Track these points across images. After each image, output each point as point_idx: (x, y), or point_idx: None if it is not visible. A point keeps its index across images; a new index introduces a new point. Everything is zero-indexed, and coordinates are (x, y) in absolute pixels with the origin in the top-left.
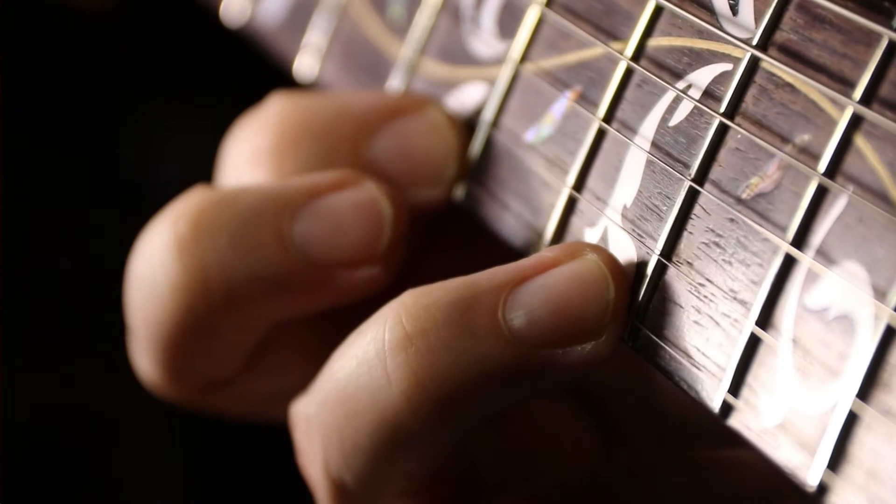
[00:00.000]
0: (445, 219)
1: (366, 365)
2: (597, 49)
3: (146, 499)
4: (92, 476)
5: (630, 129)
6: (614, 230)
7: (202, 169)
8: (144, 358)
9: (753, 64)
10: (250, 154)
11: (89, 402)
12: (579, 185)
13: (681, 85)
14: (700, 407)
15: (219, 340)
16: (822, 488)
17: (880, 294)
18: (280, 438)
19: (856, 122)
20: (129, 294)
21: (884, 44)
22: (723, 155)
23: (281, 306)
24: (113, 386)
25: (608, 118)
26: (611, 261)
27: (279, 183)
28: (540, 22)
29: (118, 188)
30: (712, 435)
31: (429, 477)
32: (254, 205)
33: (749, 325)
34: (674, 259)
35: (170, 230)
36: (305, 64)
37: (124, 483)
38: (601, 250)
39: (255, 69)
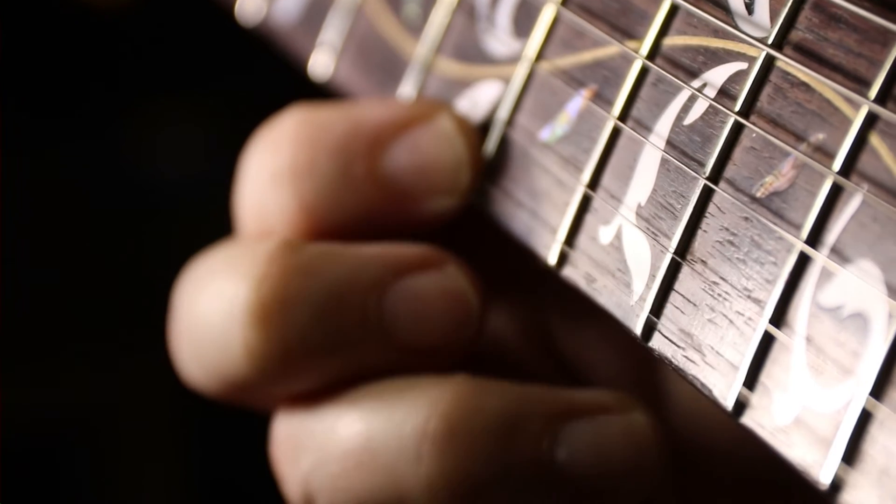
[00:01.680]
0: (461, 216)
1: (399, 436)
2: (612, 48)
3: (146, 499)
4: (92, 476)
5: (645, 128)
6: (629, 228)
7: (202, 169)
8: (199, 378)
9: (769, 63)
10: (269, 174)
11: (89, 402)
12: (594, 183)
13: (696, 84)
14: (713, 405)
15: (285, 392)
16: (835, 486)
17: (894, 292)
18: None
19: (871, 121)
20: (187, 327)
21: None
22: (737, 153)
23: (355, 377)
24: (113, 386)
25: (623, 117)
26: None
27: (365, 254)
28: (555, 20)
29: (118, 188)
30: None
31: None
32: (341, 279)
33: (763, 324)
34: (688, 257)
35: (252, 291)
36: (320, 63)
37: (124, 483)
38: (652, 416)
39: (257, 69)
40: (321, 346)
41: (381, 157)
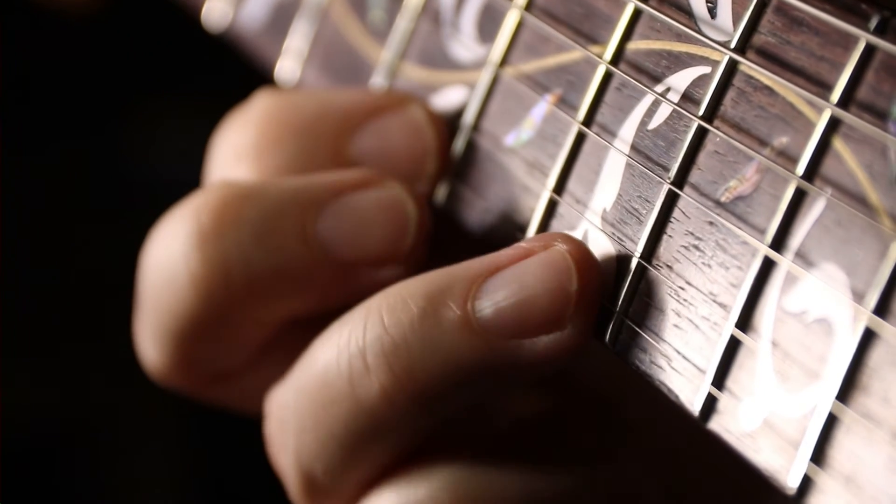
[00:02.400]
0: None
1: (346, 355)
2: (576, 53)
3: (146, 499)
4: (92, 476)
5: (609, 133)
6: (594, 233)
7: (202, 169)
8: (153, 346)
9: (732, 67)
10: (234, 151)
11: (89, 402)
12: (559, 188)
13: (660, 88)
14: (680, 410)
15: (233, 334)
16: (803, 491)
17: (858, 296)
18: None
19: (834, 125)
20: (144, 281)
21: (861, 46)
22: (702, 158)
23: (300, 303)
24: (113, 386)
25: (588, 122)
26: (580, 252)
27: (303, 179)
28: (519, 26)
29: (117, 188)
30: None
31: (394, 465)
32: (278, 200)
33: (729, 328)
34: (654, 262)
35: (192, 221)
36: (287, 68)
37: (124, 483)
38: (573, 241)
39: (255, 69)
40: (262, 265)
41: (349, 140)
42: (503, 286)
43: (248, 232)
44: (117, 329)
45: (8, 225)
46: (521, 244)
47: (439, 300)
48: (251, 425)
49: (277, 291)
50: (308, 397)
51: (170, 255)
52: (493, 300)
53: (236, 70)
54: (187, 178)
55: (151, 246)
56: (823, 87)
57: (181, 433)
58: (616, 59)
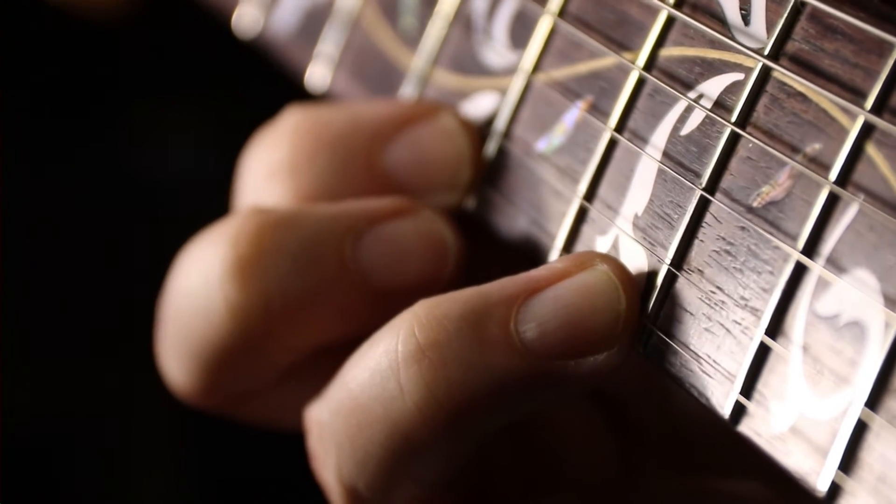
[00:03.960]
0: (460, 228)
1: (379, 376)
2: (609, 59)
3: (146, 499)
4: (92, 476)
5: (641, 139)
6: (625, 239)
7: (202, 169)
8: (180, 369)
9: (765, 74)
10: (267, 169)
11: (90, 402)
12: (590, 194)
13: (692, 95)
14: (710, 414)
15: (265, 359)
16: (832, 494)
17: (891, 302)
18: (281, 440)
19: (867, 132)
20: (172, 306)
21: (895, 54)
22: (734, 164)
23: (337, 330)
24: (113, 386)
25: (619, 128)
26: (621, 271)
27: (338, 206)
28: (552, 32)
29: (119, 189)
30: (725, 445)
31: (441, 484)
32: (316, 228)
33: (759, 333)
34: (685, 267)
35: (229, 249)
36: (317, 74)
37: (124, 483)
38: (612, 260)
39: (258, 72)
40: (301, 294)
41: (382, 152)
42: (547, 307)
43: (287, 260)
44: (118, 329)
45: (9, 225)
46: (556, 264)
47: (477, 321)
48: (252, 427)
49: (315, 319)
50: (343, 418)
51: (204, 282)
52: (538, 321)
53: (240, 71)
54: (189, 178)
55: (181, 271)
56: (857, 94)
57: (182, 433)
58: (649, 66)
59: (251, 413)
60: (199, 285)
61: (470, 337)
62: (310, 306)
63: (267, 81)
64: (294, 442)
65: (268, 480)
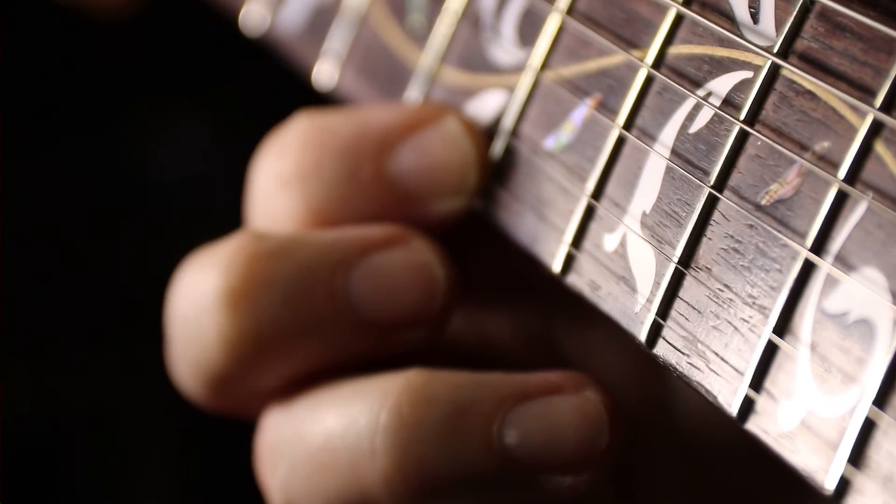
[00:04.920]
0: (464, 224)
1: (355, 432)
2: (617, 57)
3: (146, 499)
4: (92, 476)
5: (650, 137)
6: (633, 237)
7: (203, 170)
8: (188, 381)
9: (774, 71)
10: (277, 178)
11: (90, 402)
12: (598, 192)
13: (701, 92)
14: (717, 411)
15: (261, 380)
16: (840, 492)
17: None
18: None
19: (876, 129)
20: (173, 323)
21: None
22: (742, 162)
23: (328, 360)
24: (114, 386)
25: (628, 125)
26: (613, 407)
27: (330, 235)
28: (560, 30)
29: (118, 188)
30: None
31: None
32: (308, 259)
33: (767, 331)
34: (693, 265)
35: (221, 279)
36: (324, 72)
37: (124, 483)
38: (605, 394)
39: (257, 70)
40: (291, 326)
41: (389, 158)
42: (532, 418)
43: (277, 293)
44: (118, 329)
45: (9, 224)
46: (552, 377)
47: (464, 411)
48: (252, 428)
49: (304, 349)
50: (307, 450)
51: (198, 310)
52: (520, 430)
53: (240, 68)
54: (189, 178)
55: (178, 289)
56: (866, 92)
57: (182, 434)
58: (657, 64)
59: (242, 405)
60: (194, 311)
61: (453, 426)
62: (299, 338)
63: (273, 80)
64: None
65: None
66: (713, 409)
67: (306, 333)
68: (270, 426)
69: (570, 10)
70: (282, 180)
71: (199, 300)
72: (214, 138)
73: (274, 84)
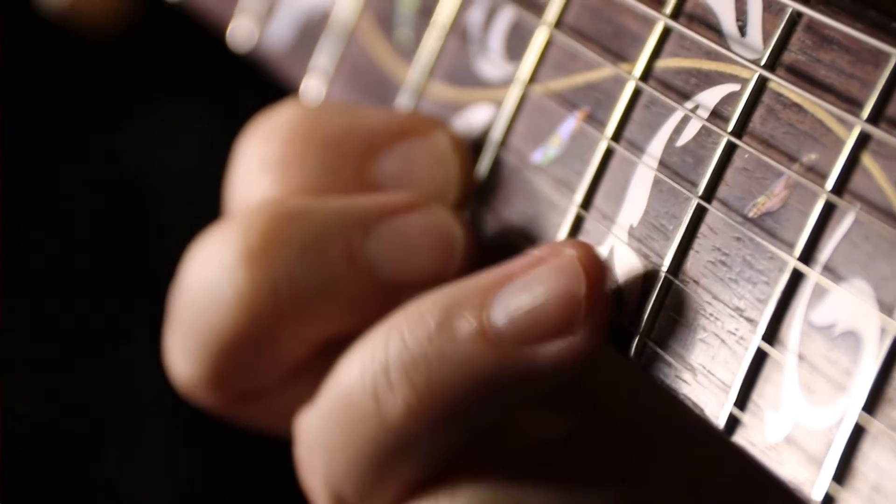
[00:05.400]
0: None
1: (370, 373)
2: (605, 70)
3: (146, 499)
4: (91, 477)
5: (637, 149)
6: (621, 249)
7: (202, 169)
8: (187, 361)
9: (761, 84)
10: (259, 161)
11: (89, 402)
12: (586, 204)
13: (689, 105)
14: (705, 423)
15: (272, 352)
16: (828, 503)
17: (887, 310)
18: (281, 442)
19: (863, 142)
20: (183, 297)
21: (892, 64)
22: (730, 174)
23: (343, 322)
24: (114, 386)
25: (616, 138)
26: (587, 255)
27: (350, 199)
28: (548, 43)
29: (118, 189)
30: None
31: (425, 479)
32: (326, 220)
33: (755, 343)
34: (680, 277)
35: (240, 239)
36: (312, 87)
37: (124, 484)
38: (581, 245)
39: (254, 85)
40: (308, 284)
41: (373, 161)
42: (515, 294)
43: (295, 251)
44: (118, 329)
45: (8, 225)
46: (534, 252)
47: (455, 312)
48: (252, 431)
49: (322, 311)
50: (335, 418)
51: (214, 272)
52: (506, 309)
53: (237, 70)
54: (188, 178)
55: (192, 262)
56: (853, 104)
57: (182, 434)
58: (645, 77)
59: (254, 415)
60: (210, 274)
61: (447, 328)
62: (317, 297)
63: (263, 95)
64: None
65: (268, 482)
66: (701, 421)
67: (323, 293)
68: (302, 430)
69: (558, 24)
70: (263, 164)
71: (217, 262)
72: (215, 138)
73: (270, 99)
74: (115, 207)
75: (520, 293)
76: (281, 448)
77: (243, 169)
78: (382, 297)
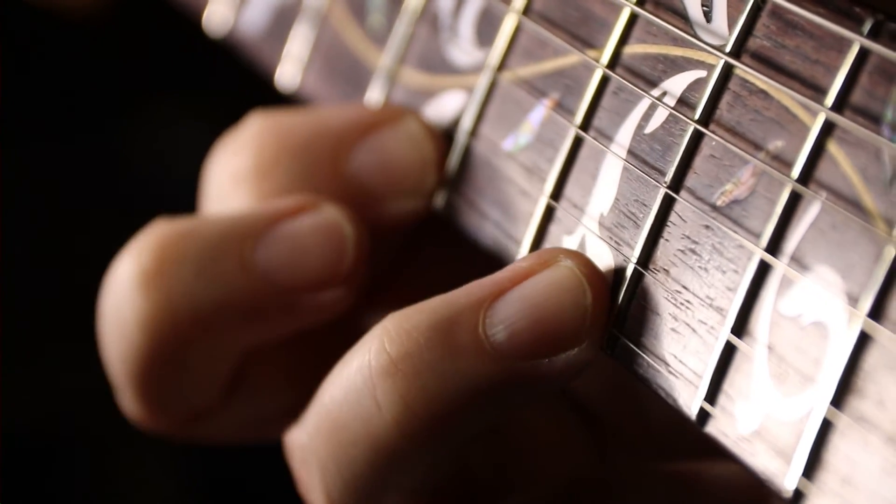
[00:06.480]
0: (426, 227)
1: (355, 394)
2: (573, 57)
3: (146, 499)
4: (91, 477)
5: (606, 137)
6: (592, 238)
7: (200, 170)
8: (122, 392)
9: (727, 71)
10: (231, 176)
11: (89, 401)
12: (557, 193)
13: (656, 92)
14: (678, 413)
15: (191, 371)
16: (799, 494)
17: (853, 300)
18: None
19: (828, 129)
20: (101, 330)
21: (855, 50)
22: (698, 162)
23: (249, 333)
24: (112, 387)
25: (585, 126)
26: (586, 265)
27: (240, 211)
28: (517, 30)
29: (118, 190)
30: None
31: (428, 491)
32: (216, 235)
33: (725, 332)
34: (650, 266)
35: (133, 264)
36: (287, 73)
37: (124, 484)
38: (576, 255)
39: (233, 70)
40: (206, 299)
41: (347, 157)
42: (514, 308)
43: (188, 268)
44: None
45: (8, 225)
46: (520, 263)
47: (446, 329)
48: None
49: (224, 323)
50: (323, 438)
51: (117, 300)
52: (506, 323)
53: (235, 71)
54: (187, 178)
55: (104, 292)
56: (818, 91)
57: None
58: (613, 64)
59: (208, 434)
60: (114, 303)
61: (440, 346)
62: (217, 310)
63: (242, 80)
64: None
65: (268, 482)
66: (675, 412)
67: (221, 306)
68: (293, 447)
69: (526, 10)
70: (237, 178)
71: (118, 288)
72: (216, 137)
73: (248, 84)
74: (116, 209)
75: (519, 305)
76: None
77: (216, 186)
78: (282, 302)
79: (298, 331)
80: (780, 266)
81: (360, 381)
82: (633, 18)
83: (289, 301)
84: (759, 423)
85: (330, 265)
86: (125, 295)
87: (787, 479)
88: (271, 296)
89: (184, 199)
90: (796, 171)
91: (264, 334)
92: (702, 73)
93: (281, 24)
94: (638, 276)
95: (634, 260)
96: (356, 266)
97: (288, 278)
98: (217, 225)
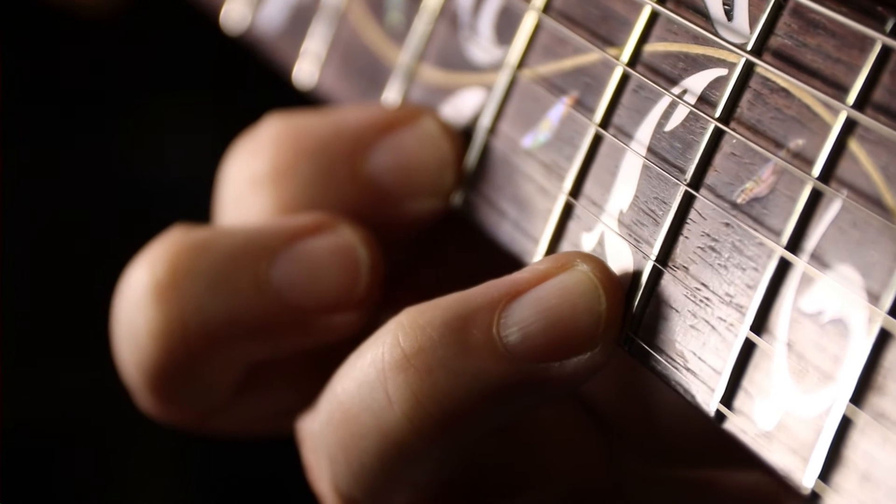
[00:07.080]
0: (443, 226)
1: (367, 386)
2: (593, 55)
3: (146, 500)
4: (91, 477)
5: (626, 135)
6: (611, 235)
7: (202, 170)
8: (134, 388)
9: (748, 69)
10: (249, 179)
11: (89, 402)
12: (576, 190)
13: (676, 90)
14: (695, 411)
15: (202, 379)
16: (817, 492)
17: (874, 298)
18: (282, 440)
19: (850, 127)
20: (114, 331)
21: (877, 48)
22: (718, 160)
23: (259, 349)
24: (114, 386)
25: (605, 124)
26: (602, 271)
27: (257, 226)
28: (537, 28)
29: (118, 191)
30: (708, 441)
31: (436, 486)
32: (231, 250)
33: (744, 330)
34: (669, 264)
35: (147, 274)
36: (305, 71)
37: (124, 483)
38: (593, 260)
39: (258, 71)
40: (217, 314)
41: (364, 158)
42: (529, 310)
43: (202, 282)
44: None
45: (8, 225)
46: (537, 266)
47: (460, 327)
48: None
49: (235, 339)
50: (334, 429)
51: (130, 307)
52: (520, 325)
53: (240, 71)
54: (187, 179)
55: (118, 296)
56: (839, 89)
57: (182, 434)
58: (633, 61)
59: (221, 427)
60: (127, 310)
61: (454, 343)
62: (228, 326)
63: (260, 78)
64: (295, 443)
65: (269, 481)
66: (692, 409)
67: (233, 322)
68: (304, 435)
69: (546, 8)
70: (254, 181)
71: (131, 296)
72: (218, 139)
73: (265, 82)
74: (116, 210)
75: (534, 308)
76: (281, 446)
77: (233, 189)
78: (294, 322)
79: (308, 349)
80: (800, 264)
81: (372, 374)
82: (654, 16)
83: (301, 321)
84: (778, 421)
85: (344, 289)
86: (138, 305)
87: (806, 476)
88: (283, 315)
89: (184, 199)
90: (817, 169)
91: (274, 351)
92: (723, 72)
93: (299, 22)
94: (657, 274)
95: (654, 257)
96: (370, 291)
97: (301, 299)
98: (233, 238)
